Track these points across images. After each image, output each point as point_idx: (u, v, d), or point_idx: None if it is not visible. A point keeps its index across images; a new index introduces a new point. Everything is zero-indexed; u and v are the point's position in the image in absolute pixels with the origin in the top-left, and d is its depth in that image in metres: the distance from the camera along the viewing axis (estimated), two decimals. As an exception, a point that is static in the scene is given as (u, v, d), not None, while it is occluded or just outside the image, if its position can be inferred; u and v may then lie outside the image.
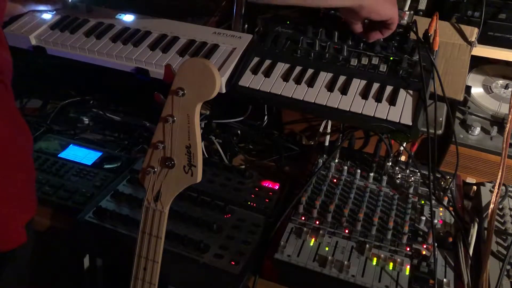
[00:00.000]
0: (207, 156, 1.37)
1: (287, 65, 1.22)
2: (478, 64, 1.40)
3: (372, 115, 1.09)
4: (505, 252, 1.02)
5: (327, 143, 1.29)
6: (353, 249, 1.02)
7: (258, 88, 1.17)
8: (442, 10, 1.28)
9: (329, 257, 0.98)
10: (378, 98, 1.12)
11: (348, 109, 1.11)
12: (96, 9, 1.43)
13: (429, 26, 1.18)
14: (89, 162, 1.28)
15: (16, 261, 0.87)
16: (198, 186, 0.83)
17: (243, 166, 1.36)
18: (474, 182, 1.27)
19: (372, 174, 1.21)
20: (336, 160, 1.27)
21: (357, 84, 1.16)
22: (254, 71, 1.20)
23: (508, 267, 0.99)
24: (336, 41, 1.25)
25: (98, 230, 1.07)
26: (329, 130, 1.29)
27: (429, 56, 1.14)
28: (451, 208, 1.13)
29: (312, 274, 0.96)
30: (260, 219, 1.11)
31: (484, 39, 1.30)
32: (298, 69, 1.20)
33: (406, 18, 1.23)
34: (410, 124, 1.06)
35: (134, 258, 0.84)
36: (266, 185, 1.21)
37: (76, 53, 1.30)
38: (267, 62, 1.22)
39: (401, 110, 1.09)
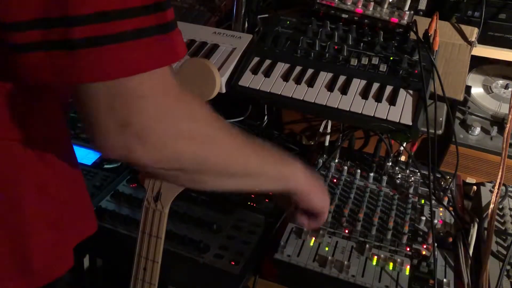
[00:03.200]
0: (207, 156, 1.37)
1: (287, 65, 1.21)
2: (478, 64, 1.40)
3: (372, 115, 1.09)
4: (505, 252, 1.02)
5: (327, 143, 1.29)
6: (353, 249, 1.02)
7: (258, 88, 1.17)
8: (442, 10, 1.28)
9: (329, 257, 0.98)
10: (378, 98, 1.12)
11: (348, 109, 1.11)
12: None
13: (429, 26, 1.18)
14: (89, 162, 1.28)
15: None
16: (198, 186, 0.83)
17: (243, 166, 1.36)
18: (474, 182, 1.27)
19: (372, 174, 1.21)
20: (336, 160, 1.27)
21: (357, 84, 1.16)
22: (254, 71, 1.20)
23: (508, 267, 0.99)
24: (336, 41, 1.25)
25: (98, 230, 1.07)
26: (329, 130, 1.29)
27: (429, 56, 1.14)
28: (451, 208, 1.13)
29: (312, 274, 0.96)
30: (260, 219, 1.11)
31: (484, 39, 1.30)
32: (298, 69, 1.20)
33: (406, 18, 1.23)
34: (410, 124, 1.06)
35: (134, 258, 0.84)
36: (266, 185, 1.21)
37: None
38: (267, 62, 1.22)
39: (401, 110, 1.09)
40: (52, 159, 0.70)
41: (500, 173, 1.05)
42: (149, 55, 0.51)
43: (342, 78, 1.17)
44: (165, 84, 0.54)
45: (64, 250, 0.78)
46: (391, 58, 1.19)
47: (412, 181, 1.21)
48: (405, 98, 1.12)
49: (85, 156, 1.30)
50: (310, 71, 1.20)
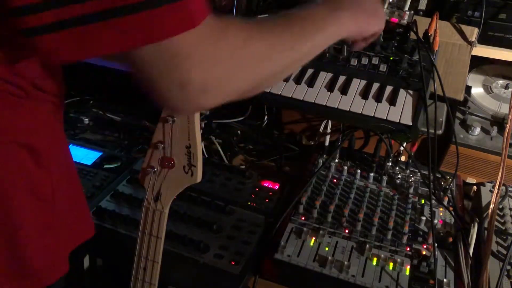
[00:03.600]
0: (207, 156, 1.37)
1: (287, 65, 1.21)
2: (478, 64, 1.40)
3: (372, 115, 1.09)
4: (505, 252, 1.02)
5: (327, 143, 1.29)
6: (353, 249, 1.02)
7: (258, 88, 1.17)
8: (442, 10, 1.28)
9: (329, 257, 0.98)
10: (378, 98, 1.12)
11: (348, 109, 1.11)
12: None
13: (429, 26, 1.18)
14: (89, 162, 1.28)
15: None
16: (198, 186, 0.83)
17: (243, 166, 1.36)
18: (474, 182, 1.27)
19: (372, 174, 1.21)
20: (336, 160, 1.27)
21: (357, 84, 1.16)
22: (254, 71, 1.20)
23: (508, 267, 0.99)
24: (336, 41, 1.25)
25: (98, 230, 1.07)
26: (329, 130, 1.29)
27: (429, 56, 1.13)
28: (451, 208, 1.13)
29: (312, 274, 0.96)
30: (260, 219, 1.11)
31: (484, 39, 1.30)
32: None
33: (406, 18, 1.23)
34: (410, 124, 1.06)
35: (134, 258, 0.84)
36: (266, 185, 1.21)
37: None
38: (267, 62, 1.22)
39: (401, 110, 1.09)
40: (48, 162, 0.70)
41: (500, 173, 1.05)
42: (189, 13, 0.52)
43: (342, 78, 1.17)
44: (206, 33, 0.55)
45: (60, 255, 0.77)
46: (391, 58, 1.19)
47: (412, 181, 1.21)
48: (405, 98, 1.11)
49: (85, 156, 1.30)
50: (310, 71, 1.19)
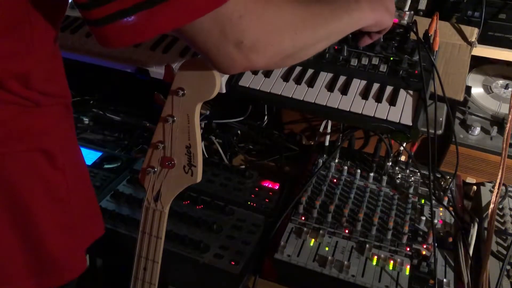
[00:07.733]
0: (207, 156, 1.37)
1: (287, 65, 1.21)
2: (478, 64, 1.40)
3: (372, 115, 1.09)
4: (505, 252, 1.02)
5: (327, 143, 1.29)
6: (353, 249, 1.02)
7: (258, 88, 1.17)
8: (442, 10, 1.28)
9: (329, 257, 0.98)
10: (378, 98, 1.12)
11: (348, 109, 1.11)
12: (96, 9, 1.43)
13: (429, 26, 1.18)
14: (89, 162, 1.28)
15: None
16: (198, 186, 0.83)
17: (243, 166, 1.36)
18: (474, 182, 1.27)
19: (372, 174, 1.21)
20: (336, 160, 1.27)
21: (357, 84, 1.16)
22: (254, 71, 1.20)
23: (508, 267, 0.99)
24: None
25: (98, 230, 1.07)
26: (329, 130, 1.29)
27: (429, 56, 1.13)
28: (451, 208, 1.13)
29: (312, 274, 0.96)
30: (260, 219, 1.11)
31: (484, 39, 1.30)
32: (298, 69, 1.20)
33: (406, 18, 1.23)
34: (410, 124, 1.06)
35: (134, 258, 0.84)
36: (266, 185, 1.21)
37: (76, 54, 1.30)
38: (267, 62, 1.22)
39: (401, 110, 1.09)
40: (62, 163, 0.71)
41: (500, 173, 1.05)
42: None
43: (342, 78, 1.17)
44: None
45: (78, 252, 0.80)
46: (391, 58, 1.19)
47: (412, 181, 1.21)
48: (405, 98, 1.11)
49: (85, 156, 1.29)
50: (310, 71, 1.20)
